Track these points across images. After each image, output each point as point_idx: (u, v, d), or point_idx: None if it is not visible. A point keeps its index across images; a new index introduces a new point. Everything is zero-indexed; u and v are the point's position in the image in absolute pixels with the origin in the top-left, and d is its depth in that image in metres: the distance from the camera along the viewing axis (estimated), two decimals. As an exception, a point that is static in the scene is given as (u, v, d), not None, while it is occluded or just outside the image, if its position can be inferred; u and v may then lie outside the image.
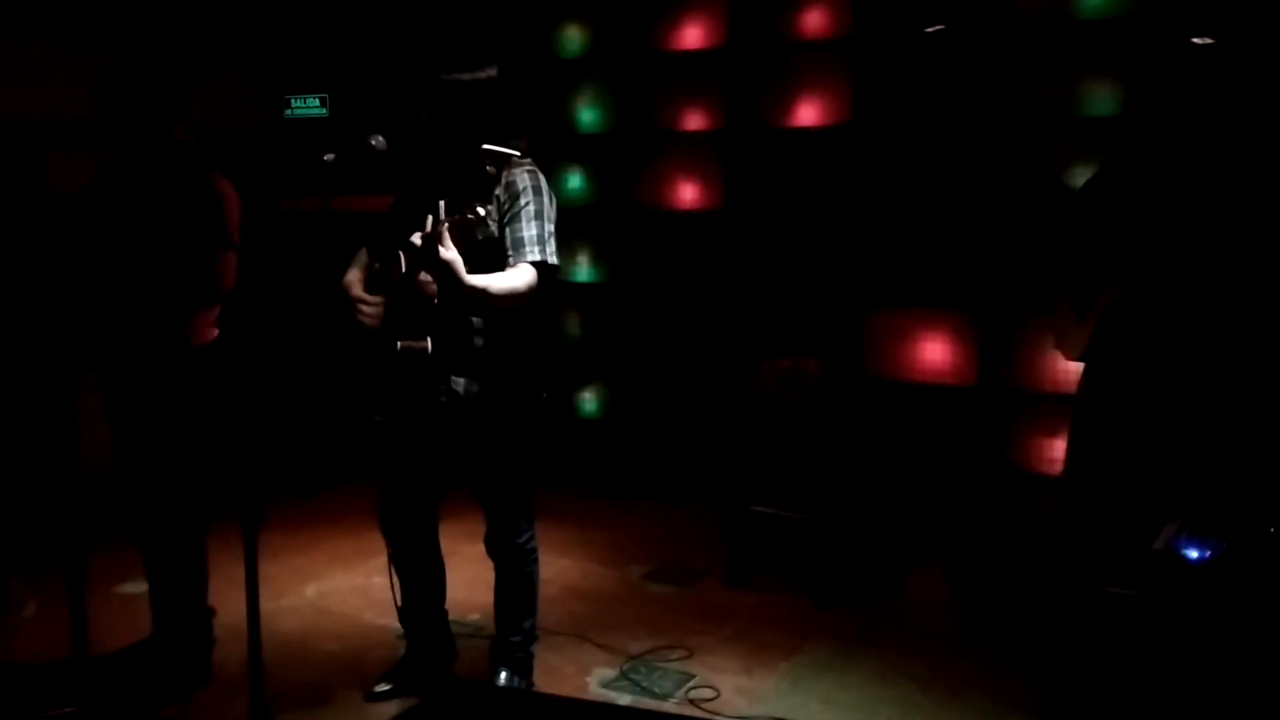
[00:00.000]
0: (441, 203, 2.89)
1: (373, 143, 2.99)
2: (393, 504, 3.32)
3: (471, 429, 3.16)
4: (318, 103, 5.26)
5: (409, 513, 3.33)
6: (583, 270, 5.78)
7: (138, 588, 3.66)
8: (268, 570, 3.08)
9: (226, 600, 3.58)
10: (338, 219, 3.35)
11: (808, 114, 5.10)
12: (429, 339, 3.00)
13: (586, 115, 5.68)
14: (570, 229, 5.72)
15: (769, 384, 4.35)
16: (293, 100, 5.28)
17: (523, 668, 3.40)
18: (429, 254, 2.81)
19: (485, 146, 3.05)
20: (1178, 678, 3.19)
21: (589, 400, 5.86)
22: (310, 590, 4.33)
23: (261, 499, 2.76)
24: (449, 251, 2.80)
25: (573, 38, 5.68)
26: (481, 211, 2.84)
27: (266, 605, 2.89)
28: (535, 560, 3.39)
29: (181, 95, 3.37)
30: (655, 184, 5.53)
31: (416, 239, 2.89)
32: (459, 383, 3.10)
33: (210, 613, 3.57)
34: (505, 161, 3.07)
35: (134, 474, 3.46)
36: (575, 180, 5.71)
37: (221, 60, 5.40)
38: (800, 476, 4.42)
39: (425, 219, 2.87)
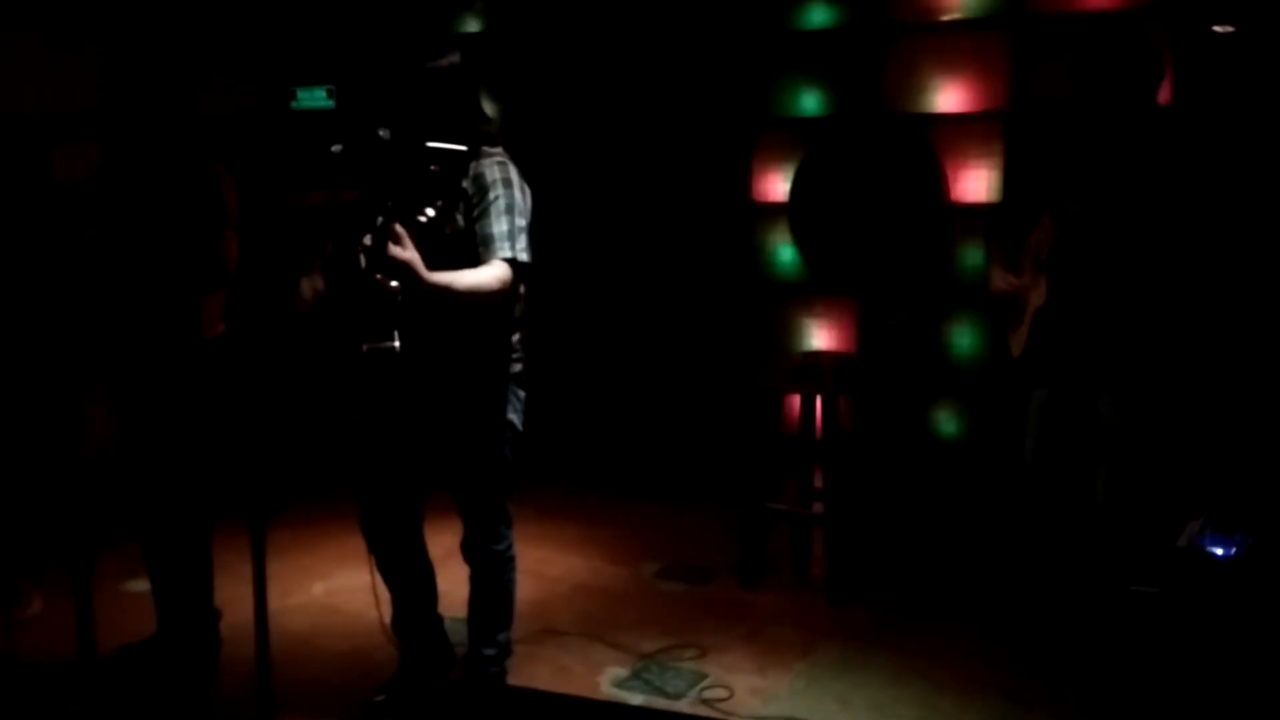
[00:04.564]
0: (390, 203, 2.78)
1: (380, 134, 2.93)
2: (374, 510, 3.21)
3: (445, 429, 3.09)
4: (324, 94, 5.19)
5: (390, 518, 3.22)
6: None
7: (145, 585, 3.62)
8: (275, 568, 3.03)
9: (234, 598, 3.53)
10: (345, 212, 3.31)
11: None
12: (395, 338, 2.82)
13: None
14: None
15: (782, 378, 4.29)
16: (299, 92, 5.21)
17: (494, 685, 3.28)
18: (382, 255, 2.70)
19: (429, 144, 2.92)
20: (1200, 677, 3.13)
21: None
22: (318, 588, 4.29)
23: (269, 497, 2.71)
24: (405, 251, 2.70)
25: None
26: (431, 213, 2.76)
27: (274, 604, 2.83)
28: (513, 568, 3.27)
29: (184, 78, 3.33)
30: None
31: (368, 240, 2.79)
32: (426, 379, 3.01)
33: (216, 614, 3.53)
34: (453, 159, 2.93)
35: (139, 470, 3.42)
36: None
37: (227, 51, 5.35)
38: (814, 472, 4.37)
39: (377, 219, 2.77)
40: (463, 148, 2.94)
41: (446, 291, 2.81)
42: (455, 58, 2.99)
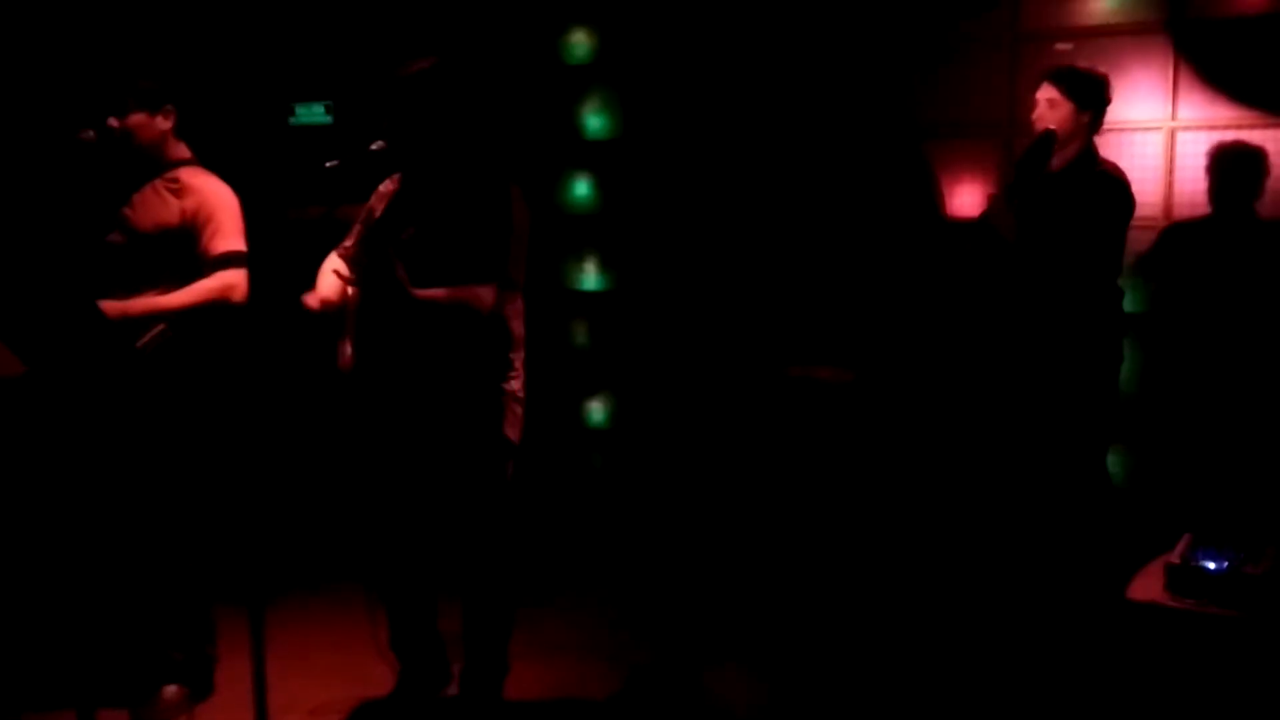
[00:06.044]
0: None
1: (372, 147, 2.95)
2: (374, 524, 3.22)
3: (443, 442, 3.10)
4: (323, 110, 5.20)
5: (391, 532, 3.22)
6: (590, 279, 5.73)
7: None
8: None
9: (228, 607, 3.53)
10: (344, 226, 3.33)
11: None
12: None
13: (594, 121, 5.62)
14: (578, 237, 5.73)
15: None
16: (297, 107, 5.22)
17: (490, 701, 3.28)
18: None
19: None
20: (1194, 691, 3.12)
21: (597, 410, 5.81)
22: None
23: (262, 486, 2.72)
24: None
25: (580, 43, 5.63)
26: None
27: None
28: (511, 584, 3.26)
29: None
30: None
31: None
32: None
33: (212, 628, 3.53)
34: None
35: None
36: (583, 188, 5.65)
37: (224, 65, 5.36)
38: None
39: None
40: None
41: (433, 306, 2.89)
42: (424, 65, 3.00)
